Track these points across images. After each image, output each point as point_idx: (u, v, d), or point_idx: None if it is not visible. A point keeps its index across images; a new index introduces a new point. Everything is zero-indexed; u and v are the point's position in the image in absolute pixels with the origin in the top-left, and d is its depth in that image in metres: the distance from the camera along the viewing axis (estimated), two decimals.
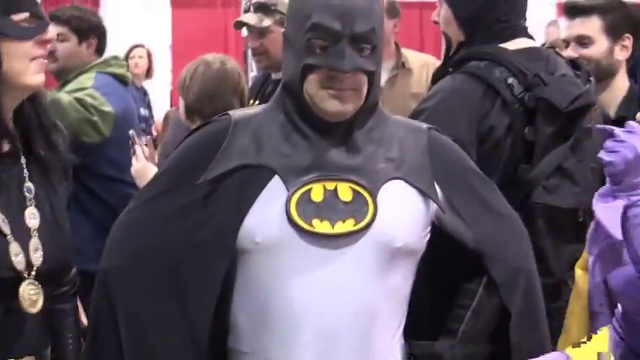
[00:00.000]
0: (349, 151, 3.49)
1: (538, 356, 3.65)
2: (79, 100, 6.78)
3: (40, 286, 3.27)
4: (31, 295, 3.25)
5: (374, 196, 3.43)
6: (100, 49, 7.40)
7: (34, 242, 3.28)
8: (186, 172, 3.58)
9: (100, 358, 3.70)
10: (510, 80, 4.30)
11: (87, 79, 7.05)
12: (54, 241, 3.34)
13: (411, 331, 3.67)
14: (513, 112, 4.28)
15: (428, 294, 3.73)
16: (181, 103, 5.86)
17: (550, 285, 4.22)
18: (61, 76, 7.17)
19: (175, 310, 3.55)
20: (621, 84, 5.22)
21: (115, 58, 7.66)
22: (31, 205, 3.28)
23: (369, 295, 3.46)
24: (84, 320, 6.11)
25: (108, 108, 6.93)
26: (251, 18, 6.40)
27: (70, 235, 3.51)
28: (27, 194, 3.30)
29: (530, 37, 4.65)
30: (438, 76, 4.55)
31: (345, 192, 3.44)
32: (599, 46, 5.08)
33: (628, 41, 5.20)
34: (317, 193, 3.43)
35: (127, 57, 14.51)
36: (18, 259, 3.21)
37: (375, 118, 3.56)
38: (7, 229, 3.23)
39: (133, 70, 14.21)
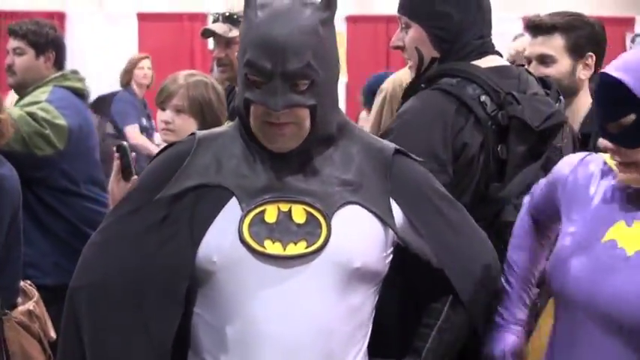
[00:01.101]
0: (305, 174, 3.61)
1: None
2: (30, 114, 6.85)
3: None
4: None
5: (328, 219, 3.53)
6: (59, 63, 7.45)
7: None
8: (151, 191, 3.64)
9: None
10: (483, 98, 4.31)
11: (42, 93, 7.13)
12: None
13: (381, 350, 3.73)
14: (486, 130, 4.29)
15: (397, 313, 3.85)
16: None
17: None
18: (20, 89, 7.31)
19: (139, 327, 3.61)
20: (584, 102, 5.27)
21: (74, 72, 7.67)
22: None
23: (327, 314, 3.53)
24: (51, 333, 6.14)
25: (61, 121, 6.98)
26: (219, 27, 6.66)
27: None
28: None
29: (499, 54, 4.70)
30: (410, 92, 4.54)
31: (299, 214, 3.55)
32: (561, 65, 5.13)
33: (591, 60, 5.25)
34: (271, 214, 3.54)
35: (134, 66, 14.63)
36: None
37: (334, 144, 3.66)
38: None
39: (140, 81, 14.56)
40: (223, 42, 6.60)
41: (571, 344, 3.46)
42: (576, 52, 5.14)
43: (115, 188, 4.76)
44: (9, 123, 6.13)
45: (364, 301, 3.61)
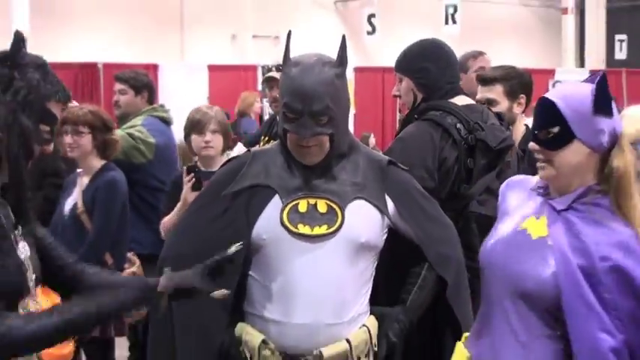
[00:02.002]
0: (326, 178, 3.69)
1: (465, 315, 3.90)
2: (129, 134, 6.99)
3: None
4: None
5: (343, 210, 3.63)
6: (151, 99, 7.58)
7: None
8: (218, 190, 3.78)
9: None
10: (458, 125, 4.38)
11: (138, 120, 7.23)
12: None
13: (374, 299, 3.82)
14: (460, 148, 4.36)
15: (385, 276, 3.89)
16: None
17: (475, 267, 4.10)
18: (124, 118, 7.39)
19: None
20: (519, 129, 5.39)
21: (161, 106, 7.75)
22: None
23: (341, 275, 3.61)
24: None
25: (151, 139, 7.12)
26: (276, 74, 6.63)
27: None
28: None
29: (467, 94, 4.73)
30: (405, 122, 4.63)
31: (322, 206, 3.64)
32: (502, 106, 5.22)
33: (523, 100, 5.37)
34: (302, 206, 3.64)
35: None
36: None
37: (347, 157, 3.75)
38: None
39: None
40: (277, 84, 6.51)
41: (486, 303, 3.46)
42: (512, 95, 5.22)
43: (188, 196, 5.09)
44: (118, 142, 6.18)
45: (367, 266, 3.69)
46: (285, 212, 3.60)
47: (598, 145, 3.21)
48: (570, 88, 3.42)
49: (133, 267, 6.20)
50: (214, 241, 3.59)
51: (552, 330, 3.25)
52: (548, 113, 3.25)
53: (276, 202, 3.63)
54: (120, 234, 6.10)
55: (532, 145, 3.33)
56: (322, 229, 3.58)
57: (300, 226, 3.58)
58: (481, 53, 6.64)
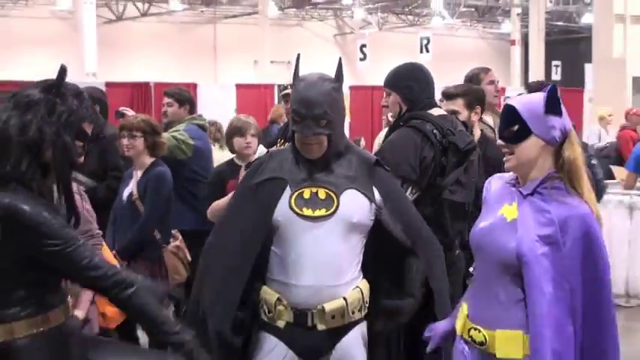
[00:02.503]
0: (326, 172, 3.64)
1: (439, 284, 3.81)
2: (173, 137, 6.93)
3: None
4: None
5: (338, 197, 3.58)
6: (191, 110, 7.49)
7: None
8: (245, 186, 3.78)
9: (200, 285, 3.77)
10: (434, 131, 4.33)
11: (180, 126, 7.18)
12: None
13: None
14: (435, 149, 4.30)
15: (370, 253, 3.78)
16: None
17: (447, 242, 4.25)
18: (170, 125, 7.31)
19: (237, 254, 3.63)
20: (476, 132, 5.24)
21: (199, 115, 7.68)
22: None
23: (337, 248, 3.56)
24: (188, 257, 6.13)
25: (190, 141, 7.05)
26: (290, 91, 6.61)
27: None
28: None
29: (440, 107, 4.71)
30: (393, 128, 4.60)
31: (322, 194, 3.59)
32: (463, 115, 5.08)
33: (478, 110, 5.24)
34: (306, 193, 3.59)
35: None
36: None
37: (342, 154, 3.70)
38: None
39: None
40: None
41: (478, 275, 3.48)
42: (470, 107, 5.14)
43: None
44: (165, 143, 6.17)
45: (358, 241, 3.63)
46: (293, 198, 3.56)
47: (551, 139, 3.24)
48: (527, 96, 3.53)
49: (177, 241, 6.20)
50: (244, 225, 3.64)
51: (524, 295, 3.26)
52: (509, 115, 3.29)
53: (287, 191, 3.60)
54: (165, 214, 6.08)
55: (499, 141, 3.36)
56: (322, 212, 3.54)
57: (304, 209, 3.54)
58: (489, 69, 6.56)
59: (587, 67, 14.84)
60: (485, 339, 3.29)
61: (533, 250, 3.17)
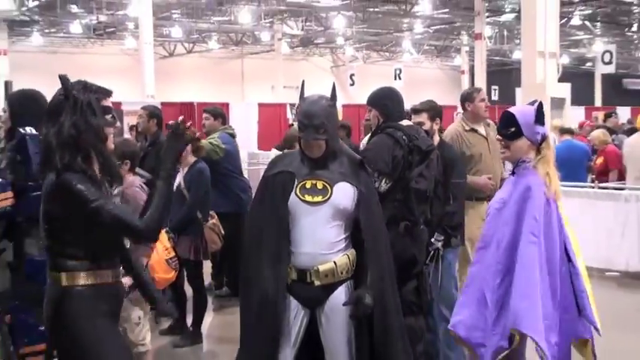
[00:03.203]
0: (323, 168, 3.57)
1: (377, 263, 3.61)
2: (209, 142, 6.87)
3: None
4: None
5: (332, 187, 3.52)
6: (224, 123, 7.46)
7: None
8: (265, 175, 3.70)
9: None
10: (403, 137, 4.26)
11: (215, 135, 7.11)
12: None
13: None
14: (404, 150, 4.23)
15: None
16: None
17: (413, 219, 4.22)
18: (208, 134, 7.23)
19: (270, 234, 3.57)
20: (436, 139, 5.01)
21: (230, 126, 7.65)
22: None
23: (329, 227, 3.52)
24: (222, 231, 6.07)
25: (222, 146, 6.99)
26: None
27: None
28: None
29: (409, 119, 4.66)
30: (372, 135, 4.51)
31: (320, 185, 3.54)
32: (427, 125, 4.96)
33: (438, 122, 5.10)
34: (308, 184, 3.54)
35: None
36: None
37: (336, 155, 3.63)
38: None
39: None
40: None
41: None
42: (432, 119, 5.00)
43: None
44: (203, 147, 6.16)
45: (344, 222, 3.56)
46: (298, 188, 3.52)
47: (535, 141, 3.45)
48: (522, 107, 3.66)
49: (213, 219, 6.18)
50: (267, 211, 3.59)
51: None
52: (509, 119, 3.45)
53: (295, 182, 3.55)
54: (205, 200, 6.07)
55: (498, 136, 3.55)
56: (319, 198, 3.50)
57: (306, 196, 3.50)
58: (480, 89, 6.20)
59: (517, 90, 14.82)
60: None
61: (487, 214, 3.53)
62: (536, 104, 3.46)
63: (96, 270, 2.94)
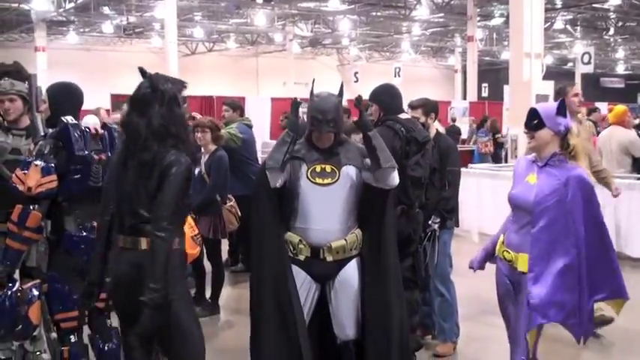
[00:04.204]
0: (331, 155, 3.55)
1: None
2: (228, 132, 6.80)
3: None
4: None
5: (339, 170, 3.51)
6: (242, 114, 7.42)
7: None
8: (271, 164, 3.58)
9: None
10: (402, 129, 4.22)
11: (234, 125, 7.06)
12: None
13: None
14: (402, 142, 4.20)
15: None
16: None
17: (409, 202, 4.20)
18: (227, 124, 7.14)
19: (275, 214, 3.57)
20: (432, 131, 4.93)
21: (247, 117, 7.62)
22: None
23: (339, 205, 3.50)
24: (239, 212, 6.03)
25: (240, 135, 6.92)
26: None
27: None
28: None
29: (406, 112, 4.57)
30: (374, 126, 4.41)
31: (329, 169, 3.52)
32: (422, 119, 4.87)
33: (433, 116, 5.01)
34: (318, 168, 3.51)
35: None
36: None
37: (342, 144, 3.62)
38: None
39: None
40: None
41: (514, 219, 3.46)
42: (427, 113, 4.91)
43: None
44: (222, 136, 6.13)
45: (352, 201, 3.56)
46: (309, 172, 3.51)
47: (557, 131, 3.34)
48: (545, 104, 3.62)
49: (231, 202, 6.18)
50: (277, 192, 3.54)
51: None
52: (532, 113, 3.38)
53: (304, 167, 3.53)
54: (224, 184, 6.06)
55: (524, 130, 3.43)
56: (328, 180, 3.50)
57: (317, 179, 3.50)
58: (573, 84, 5.82)
59: (506, 87, 14.75)
60: (513, 258, 3.38)
61: (541, 204, 3.25)
62: (559, 101, 3.44)
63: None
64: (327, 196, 3.50)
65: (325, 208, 3.50)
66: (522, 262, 3.31)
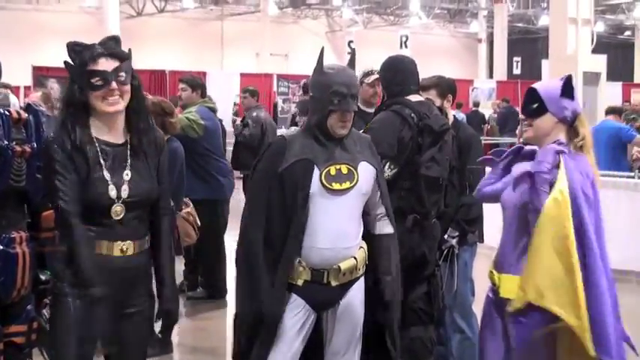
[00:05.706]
0: (344, 150, 3.63)
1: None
2: (186, 117, 6.90)
3: (124, 207, 3.25)
4: (117, 212, 3.22)
5: (357, 170, 3.60)
6: (202, 94, 7.44)
7: (124, 186, 3.24)
8: (270, 166, 3.64)
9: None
10: (412, 115, 4.24)
11: (193, 108, 7.12)
12: (137, 186, 3.28)
13: None
14: (413, 131, 4.21)
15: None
16: None
17: (424, 212, 4.21)
18: (185, 107, 7.26)
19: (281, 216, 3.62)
20: (450, 118, 4.96)
21: (210, 99, 7.70)
22: (126, 169, 3.26)
23: (353, 216, 3.63)
24: (198, 222, 6.07)
25: (201, 122, 6.98)
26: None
27: (152, 183, 3.42)
28: (125, 164, 3.28)
29: (420, 94, 4.56)
30: (377, 111, 4.49)
31: (345, 170, 3.59)
32: (437, 103, 4.91)
33: (450, 97, 5.07)
34: (332, 170, 3.58)
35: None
36: (112, 194, 3.20)
37: (349, 136, 3.68)
38: (109, 179, 3.22)
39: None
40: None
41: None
42: (443, 95, 4.97)
43: None
44: (177, 123, 6.13)
45: (361, 208, 3.68)
46: (323, 175, 3.56)
47: (563, 118, 3.40)
48: (547, 81, 3.77)
49: (188, 208, 6.16)
50: (278, 199, 3.60)
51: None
52: (531, 95, 3.43)
53: (316, 170, 3.57)
54: (179, 185, 6.03)
55: (521, 115, 3.53)
56: (347, 184, 3.56)
57: (333, 184, 3.55)
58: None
59: (544, 62, 14.79)
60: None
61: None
62: (565, 76, 3.48)
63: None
64: (341, 205, 3.57)
65: (338, 222, 3.57)
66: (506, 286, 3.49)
